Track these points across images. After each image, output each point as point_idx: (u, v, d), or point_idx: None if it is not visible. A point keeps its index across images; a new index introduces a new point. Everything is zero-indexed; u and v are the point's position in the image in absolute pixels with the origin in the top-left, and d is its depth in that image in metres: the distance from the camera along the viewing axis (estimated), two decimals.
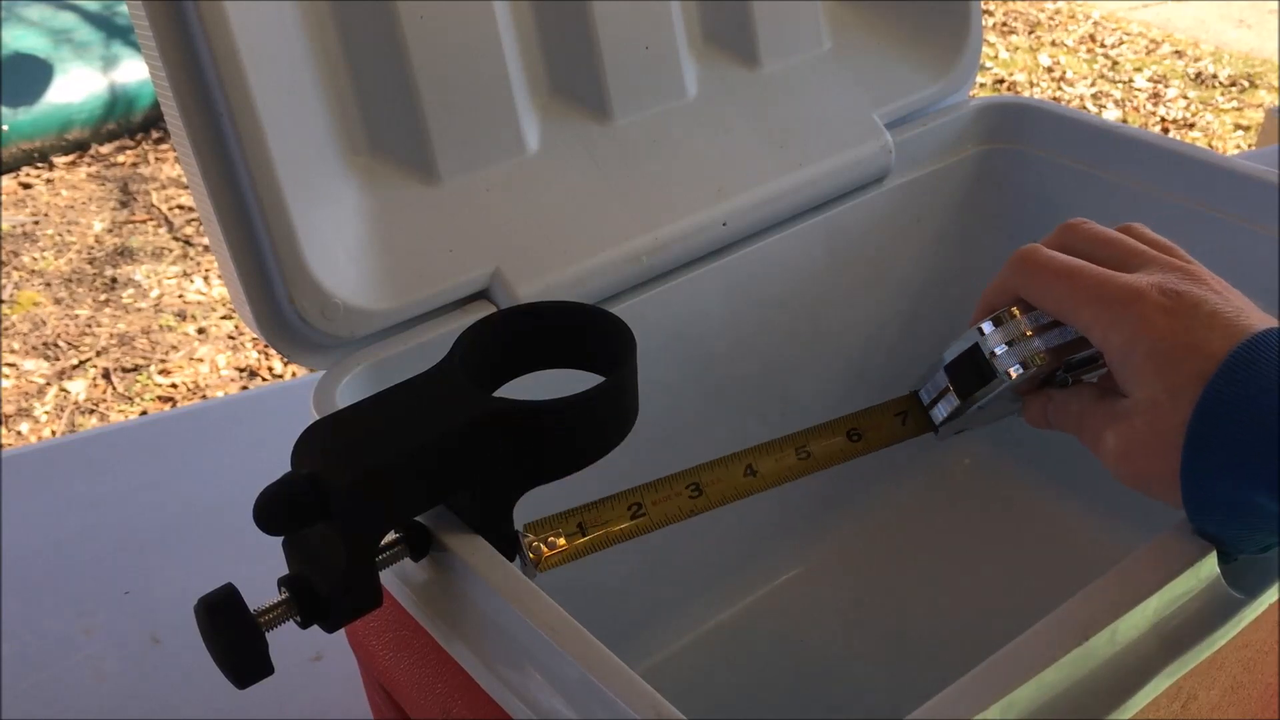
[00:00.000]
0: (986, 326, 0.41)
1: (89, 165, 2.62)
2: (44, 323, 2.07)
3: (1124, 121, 2.51)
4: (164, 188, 2.53)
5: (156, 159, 2.66)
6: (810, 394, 0.64)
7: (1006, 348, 0.41)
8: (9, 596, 0.65)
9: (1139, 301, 0.36)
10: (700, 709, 0.56)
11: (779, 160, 0.56)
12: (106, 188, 2.53)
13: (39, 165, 2.60)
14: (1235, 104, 2.86)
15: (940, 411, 0.44)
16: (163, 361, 1.97)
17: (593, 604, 0.42)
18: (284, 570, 0.35)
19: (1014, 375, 0.41)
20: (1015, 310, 0.41)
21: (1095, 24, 3.39)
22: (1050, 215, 0.63)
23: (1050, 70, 3.11)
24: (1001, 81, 3.04)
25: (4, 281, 2.18)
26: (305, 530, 0.35)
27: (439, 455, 0.35)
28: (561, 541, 0.39)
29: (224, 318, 2.09)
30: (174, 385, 1.92)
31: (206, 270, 2.22)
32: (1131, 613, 0.33)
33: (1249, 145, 2.67)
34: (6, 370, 1.94)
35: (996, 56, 3.19)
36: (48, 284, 2.18)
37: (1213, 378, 0.34)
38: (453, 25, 0.47)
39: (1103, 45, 3.25)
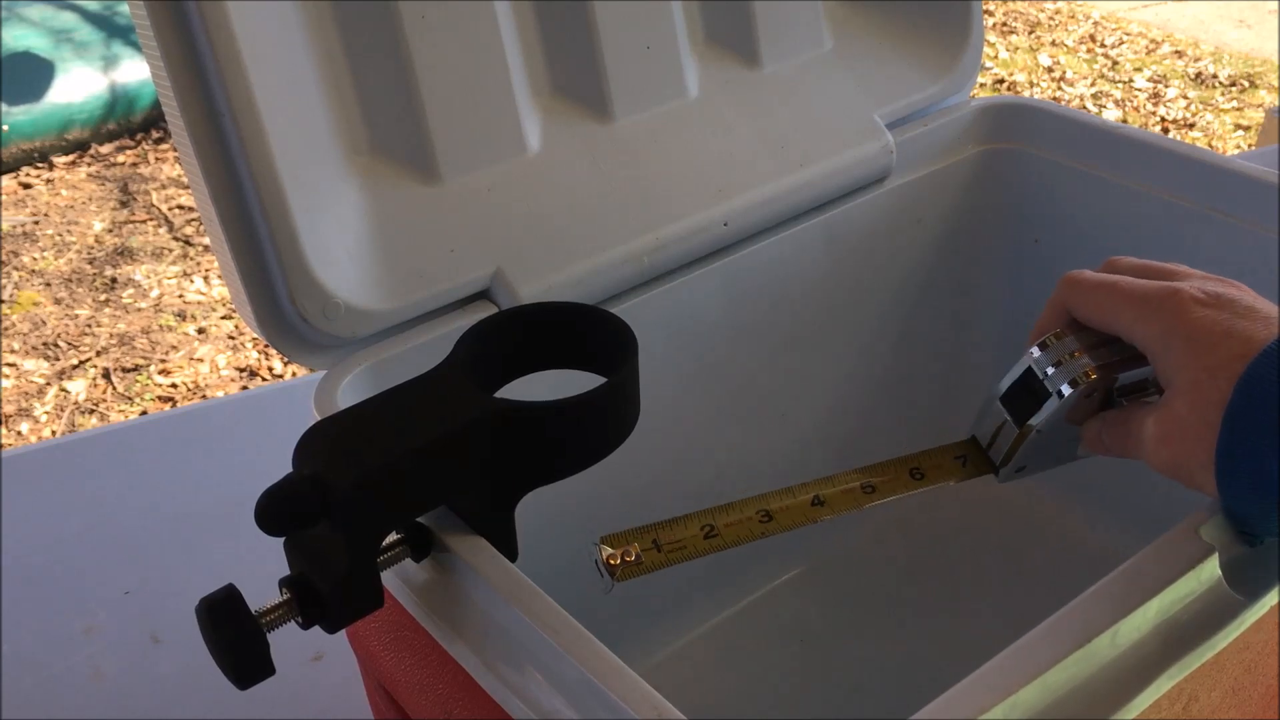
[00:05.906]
0: (1035, 351, 0.43)
1: (89, 165, 2.62)
2: (44, 323, 2.07)
3: (1124, 121, 2.51)
4: (164, 188, 2.53)
5: (156, 159, 2.66)
6: (811, 394, 0.64)
7: (1055, 368, 0.42)
8: (9, 596, 0.65)
9: (1176, 296, 0.38)
10: (700, 709, 0.56)
11: (780, 160, 0.56)
12: (106, 188, 2.53)
13: (39, 165, 2.60)
14: (1235, 104, 2.86)
15: (999, 449, 0.45)
16: (163, 361, 1.97)
17: (593, 604, 0.42)
18: (285, 570, 0.35)
19: (1065, 394, 0.41)
20: (1062, 331, 0.42)
21: (1095, 24, 3.39)
22: (1050, 215, 0.64)
23: (1050, 70, 3.11)
24: (1001, 81, 3.04)
25: (4, 281, 2.18)
26: (306, 531, 0.35)
27: (440, 456, 0.35)
28: (639, 555, 0.41)
29: (224, 318, 2.09)
30: (174, 385, 1.91)
31: (206, 270, 2.22)
32: (1133, 614, 0.33)
33: (1249, 145, 2.67)
34: (6, 370, 1.94)
35: (996, 56, 3.19)
36: (48, 284, 2.18)
37: (1255, 359, 0.35)
38: (454, 25, 0.47)
39: (1103, 45, 3.25)
